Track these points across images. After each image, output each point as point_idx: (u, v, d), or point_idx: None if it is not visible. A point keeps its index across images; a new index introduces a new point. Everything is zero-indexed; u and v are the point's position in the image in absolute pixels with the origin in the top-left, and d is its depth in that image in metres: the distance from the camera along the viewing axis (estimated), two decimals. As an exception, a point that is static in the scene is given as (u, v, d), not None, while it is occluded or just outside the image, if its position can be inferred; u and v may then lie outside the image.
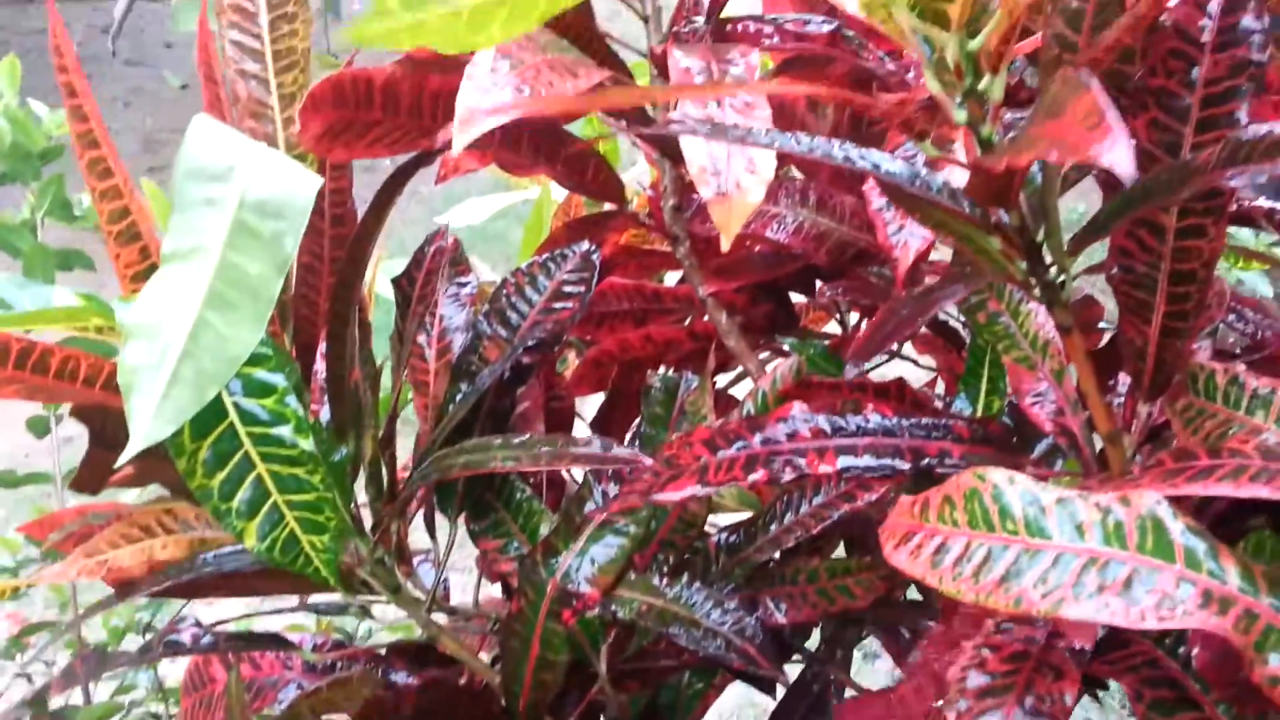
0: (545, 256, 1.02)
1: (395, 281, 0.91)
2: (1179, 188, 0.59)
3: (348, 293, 0.79)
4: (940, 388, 1.17)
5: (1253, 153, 0.55)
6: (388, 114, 0.80)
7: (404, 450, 0.97)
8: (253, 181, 0.62)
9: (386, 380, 0.96)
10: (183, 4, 3.57)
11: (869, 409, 0.76)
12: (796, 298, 1.18)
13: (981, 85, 0.62)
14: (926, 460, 0.74)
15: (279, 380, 0.64)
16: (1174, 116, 0.67)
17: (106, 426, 0.73)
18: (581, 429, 1.22)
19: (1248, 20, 0.65)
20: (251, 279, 0.61)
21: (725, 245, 0.75)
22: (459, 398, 0.91)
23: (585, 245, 1.03)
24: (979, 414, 0.92)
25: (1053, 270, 0.67)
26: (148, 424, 0.57)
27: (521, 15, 0.52)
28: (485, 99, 0.65)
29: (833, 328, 1.26)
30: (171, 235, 0.61)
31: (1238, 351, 0.91)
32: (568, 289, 1.00)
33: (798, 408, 0.75)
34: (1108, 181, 0.74)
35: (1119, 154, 0.43)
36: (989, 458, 0.74)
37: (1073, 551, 0.54)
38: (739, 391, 1.23)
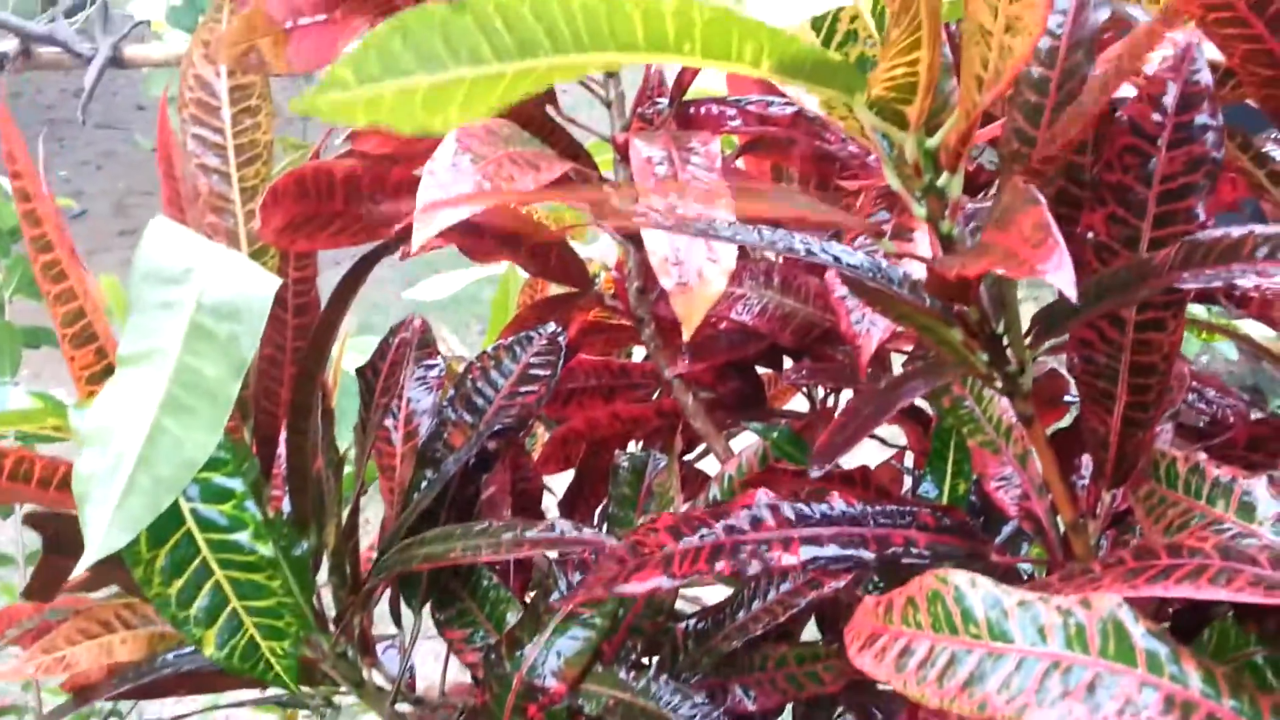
0: (511, 340, 1.01)
1: (359, 371, 0.90)
2: (1136, 289, 0.59)
3: (310, 384, 0.79)
4: (909, 458, 1.17)
5: (1207, 256, 0.56)
6: (350, 205, 0.80)
7: (376, 518, 0.96)
8: (210, 284, 0.61)
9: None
10: (154, 72, 3.58)
11: (834, 496, 0.76)
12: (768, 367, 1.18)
13: (940, 182, 0.63)
14: (892, 549, 0.73)
15: (237, 485, 0.64)
16: (1131, 211, 0.67)
17: (61, 532, 0.72)
18: (553, 506, 1.21)
19: (1202, 117, 0.66)
20: (208, 382, 0.60)
21: (686, 336, 0.75)
22: (424, 485, 0.90)
23: (551, 327, 1.03)
24: (945, 496, 0.92)
25: (1013, 363, 0.68)
26: (103, 534, 0.56)
27: (479, 97, 0.51)
28: (445, 193, 0.65)
29: (800, 402, 1.26)
30: (127, 338, 0.60)
31: (1201, 425, 0.91)
32: (534, 372, 1.00)
33: (762, 494, 0.75)
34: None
35: (1062, 276, 0.43)
36: (955, 547, 0.74)
37: (1035, 655, 0.53)
38: (711, 464, 1.23)
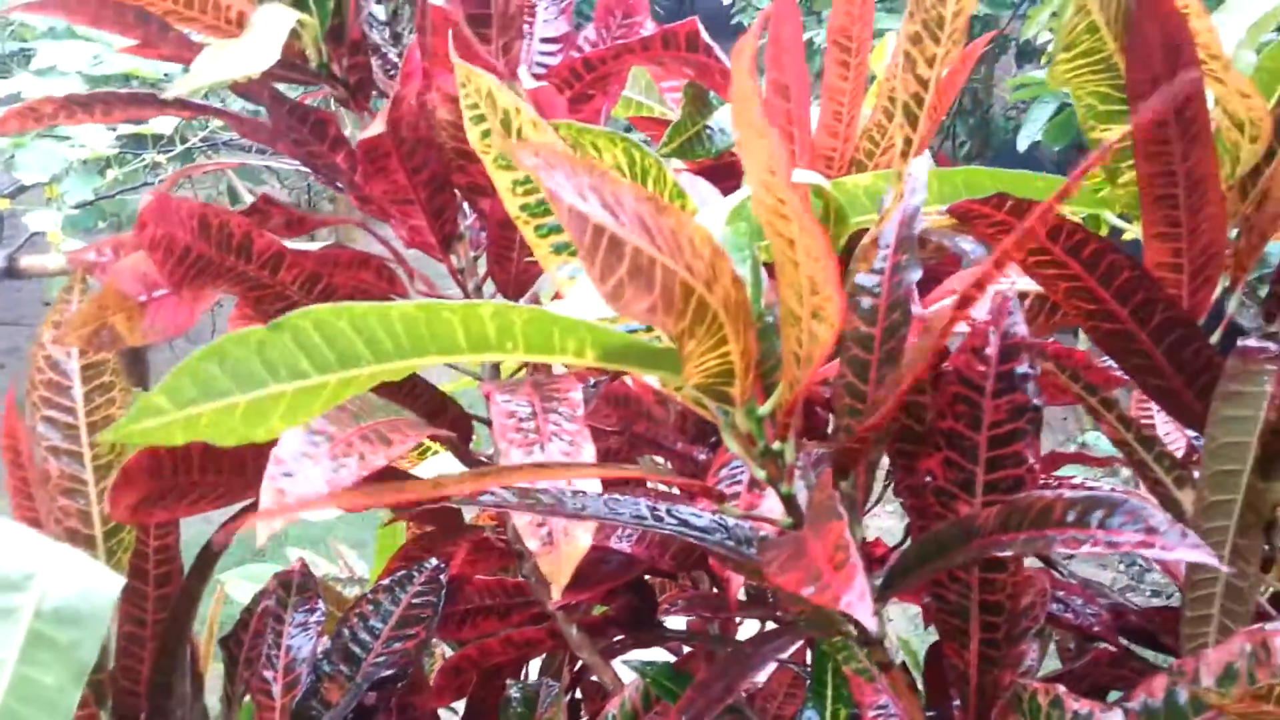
0: (391, 579, 1.01)
1: (222, 642, 0.89)
2: (962, 549, 0.61)
3: (172, 659, 0.77)
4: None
5: (1022, 521, 0.57)
6: (209, 475, 0.79)
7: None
8: (50, 588, 0.61)
9: None
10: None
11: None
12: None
13: (776, 447, 0.64)
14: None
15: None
16: (965, 456, 0.70)
17: None
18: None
19: (1021, 367, 0.69)
20: (47, 692, 0.59)
21: (556, 594, 0.75)
22: (300, 747, 0.88)
23: (432, 563, 1.03)
24: (828, 724, 0.91)
25: (865, 613, 0.69)
26: None
27: (302, 407, 0.52)
28: (292, 484, 0.66)
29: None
30: (-37, 655, 0.59)
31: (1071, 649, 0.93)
32: (415, 613, 0.99)
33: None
34: (913, 505, 0.76)
35: (861, 608, 0.45)
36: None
37: None
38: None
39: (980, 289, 0.56)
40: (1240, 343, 0.77)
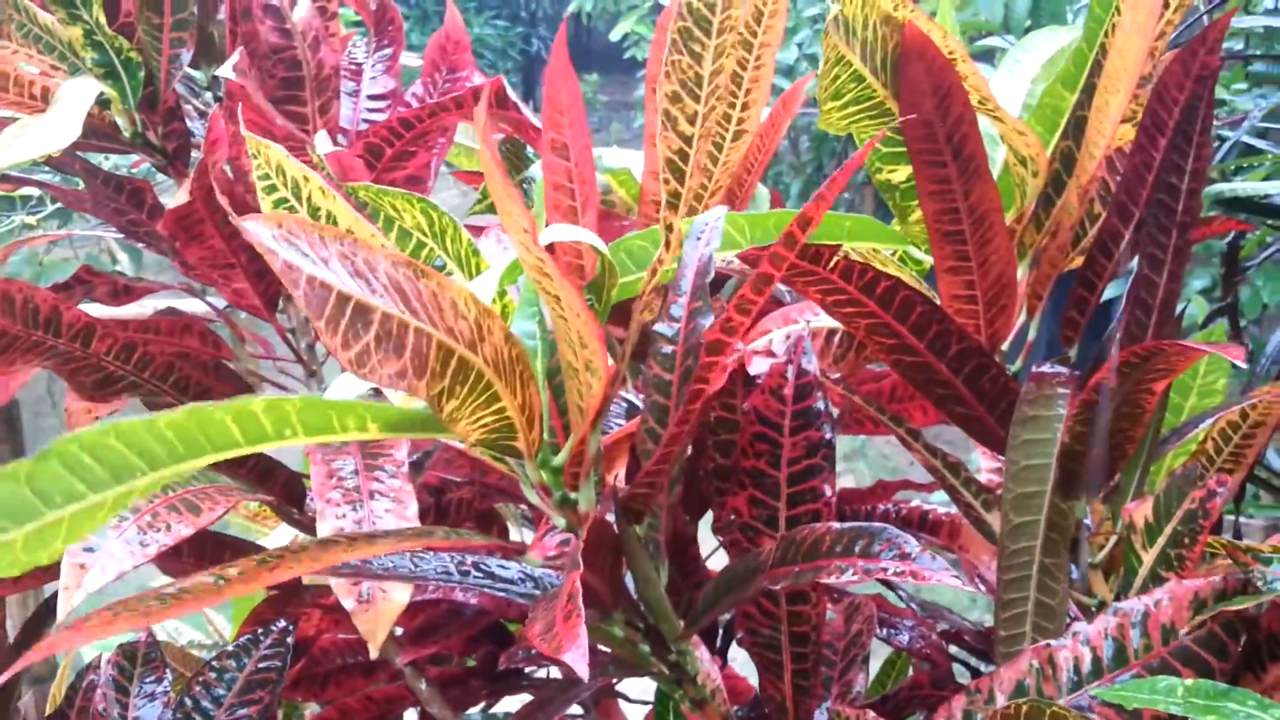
0: (237, 644, 1.00)
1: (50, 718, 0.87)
2: (751, 583, 0.63)
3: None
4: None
5: (797, 554, 0.59)
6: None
7: None
8: None
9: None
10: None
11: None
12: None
13: (572, 496, 0.66)
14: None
15: None
16: (767, 493, 0.72)
17: None
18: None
19: (816, 404, 0.71)
20: None
21: (373, 652, 0.76)
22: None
23: (280, 624, 1.02)
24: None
25: (674, 651, 0.70)
26: None
27: (84, 523, 0.52)
28: (93, 559, 0.65)
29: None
30: None
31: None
32: (261, 677, 0.98)
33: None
34: (728, 541, 0.78)
35: (575, 658, 0.46)
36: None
37: None
38: None
39: (731, 335, 0.58)
40: (1034, 368, 0.81)
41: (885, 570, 0.55)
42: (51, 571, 0.82)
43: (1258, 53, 2.18)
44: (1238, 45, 2.48)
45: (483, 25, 12.25)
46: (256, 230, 0.43)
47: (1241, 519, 1.53)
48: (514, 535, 1.25)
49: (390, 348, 0.47)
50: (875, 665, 1.00)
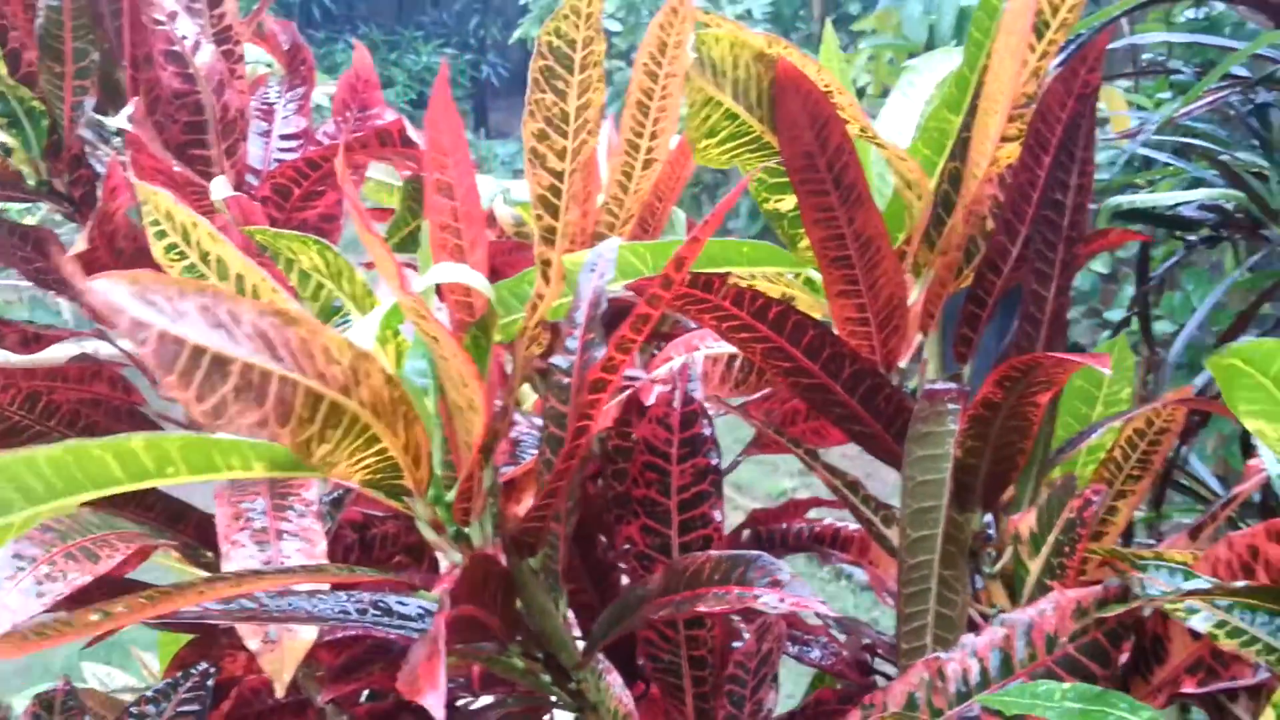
0: (156, 689, 1.00)
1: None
2: (638, 612, 0.64)
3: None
4: None
5: (679, 582, 0.61)
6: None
7: None
8: None
9: None
10: None
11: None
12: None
13: (467, 531, 0.67)
14: None
15: None
16: (659, 521, 0.73)
17: None
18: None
19: (704, 430, 0.73)
20: None
21: (279, 691, 0.76)
22: None
23: (201, 666, 1.02)
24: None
25: (574, 680, 0.71)
26: None
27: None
28: (-8, 610, 0.66)
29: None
30: None
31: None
32: None
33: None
34: (628, 570, 0.79)
35: (431, 700, 0.47)
36: None
37: None
38: None
39: (612, 373, 0.60)
40: (925, 386, 0.83)
41: (757, 598, 0.56)
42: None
43: (1180, 64, 2.24)
44: (1160, 56, 2.53)
45: (431, 53, 12.27)
46: (106, 289, 0.44)
47: (1167, 524, 1.56)
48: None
49: (251, 398, 0.48)
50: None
